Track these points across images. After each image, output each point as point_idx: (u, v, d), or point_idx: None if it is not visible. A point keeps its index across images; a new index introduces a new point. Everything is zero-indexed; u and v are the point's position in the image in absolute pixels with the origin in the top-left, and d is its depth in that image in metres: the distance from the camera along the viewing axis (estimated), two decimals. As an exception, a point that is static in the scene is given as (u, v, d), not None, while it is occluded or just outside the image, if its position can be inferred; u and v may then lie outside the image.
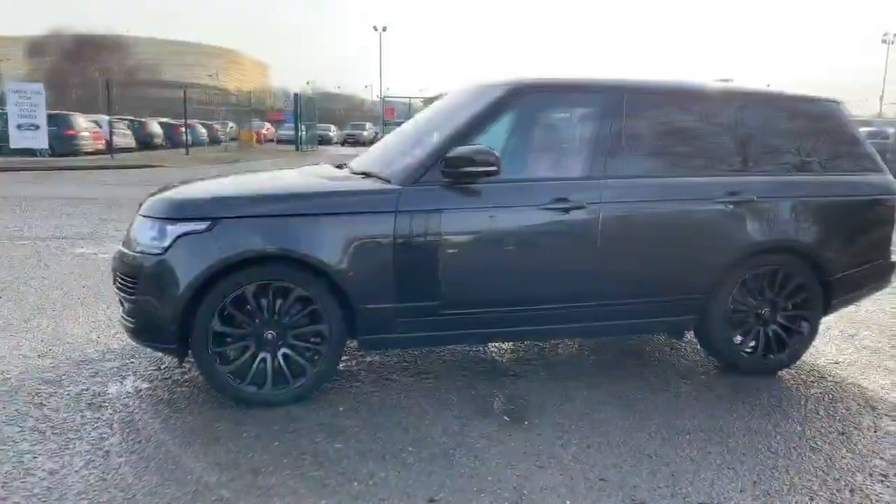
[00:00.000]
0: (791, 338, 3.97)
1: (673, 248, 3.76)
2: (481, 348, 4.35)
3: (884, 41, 52.82)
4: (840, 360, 4.31)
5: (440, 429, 3.20)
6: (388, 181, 3.53)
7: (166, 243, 3.22)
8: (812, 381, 3.93)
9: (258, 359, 3.34)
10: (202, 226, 3.20)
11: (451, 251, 3.45)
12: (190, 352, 3.34)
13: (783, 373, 4.03)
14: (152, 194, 3.65)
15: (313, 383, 3.42)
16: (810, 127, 4.14)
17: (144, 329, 3.35)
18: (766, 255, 3.89)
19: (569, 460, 2.94)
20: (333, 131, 48.77)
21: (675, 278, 3.79)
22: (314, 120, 38.53)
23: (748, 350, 3.96)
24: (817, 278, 3.97)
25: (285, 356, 3.36)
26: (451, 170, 3.42)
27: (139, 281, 3.27)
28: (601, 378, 3.89)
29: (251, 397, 3.35)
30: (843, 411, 3.51)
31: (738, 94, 4.10)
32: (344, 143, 44.27)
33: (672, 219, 3.75)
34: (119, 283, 3.43)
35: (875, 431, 3.28)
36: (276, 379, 3.35)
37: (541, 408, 3.46)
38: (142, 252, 3.30)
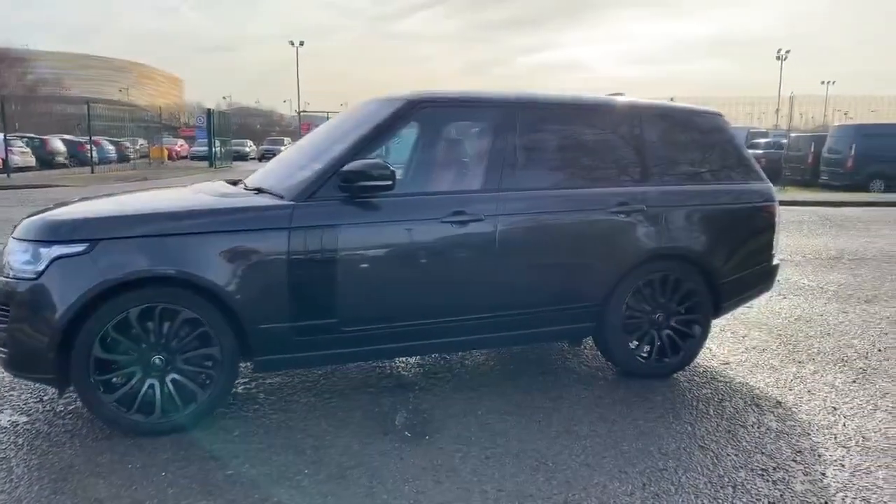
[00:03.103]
0: (684, 341, 4.12)
1: (569, 257, 3.85)
2: (388, 364, 4.31)
3: (777, 57, 56.22)
4: (731, 360, 4.50)
5: (339, 449, 3.14)
6: (282, 197, 3.46)
7: (41, 267, 3.03)
8: (704, 382, 4.08)
9: (145, 385, 3.18)
10: (80, 248, 3.04)
11: (348, 267, 3.41)
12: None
13: (678, 375, 4.17)
14: (28, 216, 3.44)
15: (206, 409, 3.29)
16: (697, 138, 4.34)
17: (20, 359, 3.14)
18: (657, 262, 4.02)
19: (467, 473, 2.93)
20: (250, 147, 47.71)
21: (572, 287, 3.87)
22: (229, 135, 37.59)
23: (644, 355, 4.09)
24: (707, 283, 4.14)
25: (175, 382, 3.22)
26: (348, 184, 3.38)
27: (11, 308, 3.07)
28: (504, 388, 3.92)
29: (139, 426, 3.19)
30: (731, 410, 3.66)
31: (630, 107, 4.23)
32: (262, 158, 43.19)
33: (567, 229, 3.83)
34: (-10, 311, 3.21)
35: (759, 428, 3.43)
36: (166, 406, 3.20)
37: (443, 421, 3.45)
38: (14, 277, 3.09)
